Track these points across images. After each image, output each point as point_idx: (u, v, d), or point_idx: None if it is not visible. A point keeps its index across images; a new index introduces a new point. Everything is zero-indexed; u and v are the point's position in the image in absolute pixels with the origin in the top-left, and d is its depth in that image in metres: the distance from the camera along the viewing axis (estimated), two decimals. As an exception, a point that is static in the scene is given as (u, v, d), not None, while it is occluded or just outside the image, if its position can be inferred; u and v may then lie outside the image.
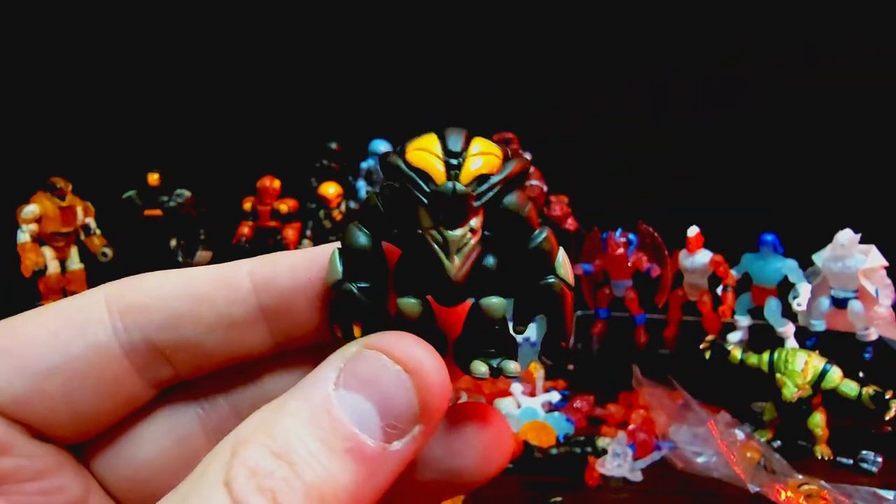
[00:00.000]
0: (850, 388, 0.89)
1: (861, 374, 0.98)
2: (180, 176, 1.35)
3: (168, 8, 1.50)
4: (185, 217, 1.31)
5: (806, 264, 1.09)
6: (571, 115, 1.47)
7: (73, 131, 1.43)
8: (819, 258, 1.05)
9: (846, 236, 1.01)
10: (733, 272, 1.14)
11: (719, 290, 1.15)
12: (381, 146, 1.43)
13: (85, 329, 0.24)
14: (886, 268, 1.02)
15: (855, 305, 1.02)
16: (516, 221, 0.25)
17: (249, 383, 0.28)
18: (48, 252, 1.21)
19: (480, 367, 0.25)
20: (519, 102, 1.50)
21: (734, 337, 1.15)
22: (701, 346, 1.00)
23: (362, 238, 0.25)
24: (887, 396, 0.87)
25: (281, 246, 1.34)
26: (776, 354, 0.93)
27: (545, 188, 1.31)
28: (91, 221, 1.27)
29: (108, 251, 1.27)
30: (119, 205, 1.32)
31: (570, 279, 0.26)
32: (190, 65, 1.51)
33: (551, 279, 0.25)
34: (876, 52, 1.33)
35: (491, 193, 0.24)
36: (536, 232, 0.25)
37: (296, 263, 0.26)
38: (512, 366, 0.25)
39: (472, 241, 0.24)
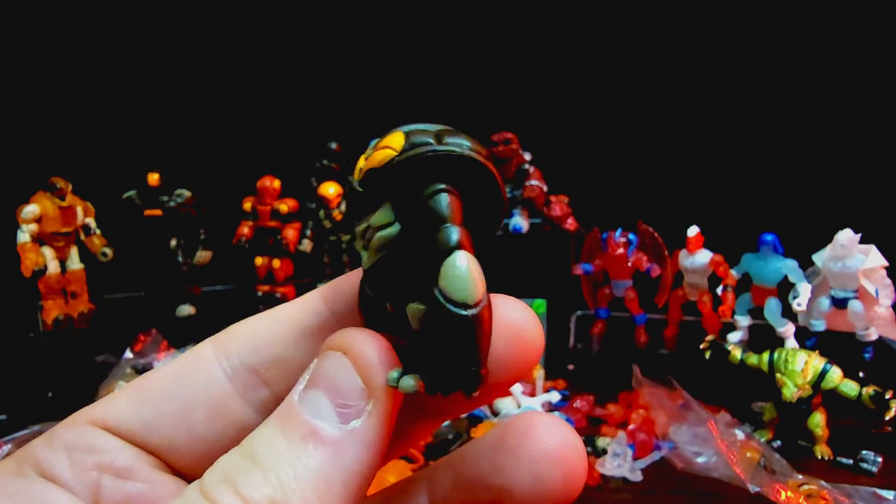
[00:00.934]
0: (850, 388, 0.89)
1: (861, 374, 0.99)
2: (180, 176, 1.35)
3: (168, 8, 1.50)
4: (185, 217, 1.31)
5: (806, 264, 1.09)
6: (571, 115, 1.47)
7: (73, 131, 1.43)
8: (819, 258, 1.05)
9: (846, 236, 1.01)
10: (733, 272, 1.14)
11: (719, 290, 1.15)
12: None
13: (195, 364, 0.28)
14: (886, 268, 1.02)
15: (855, 305, 1.02)
16: (426, 220, 0.22)
17: None
18: (48, 252, 1.21)
19: (392, 374, 0.24)
20: (519, 102, 1.50)
21: (734, 337, 1.15)
22: (701, 346, 1.00)
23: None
24: (887, 396, 0.87)
25: (281, 246, 1.34)
26: (776, 354, 0.93)
27: (545, 188, 1.31)
28: (91, 221, 1.27)
29: (108, 251, 1.27)
30: (119, 205, 1.32)
31: (462, 292, 0.21)
32: (190, 65, 1.51)
33: (435, 291, 0.22)
34: (876, 52, 1.33)
35: (375, 185, 0.23)
36: (443, 233, 0.22)
37: (358, 272, 0.28)
38: (409, 382, 0.23)
39: (376, 237, 0.23)
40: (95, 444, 0.26)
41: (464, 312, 0.21)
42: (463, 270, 0.21)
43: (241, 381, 0.27)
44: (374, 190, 0.23)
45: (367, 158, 0.23)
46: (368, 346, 0.24)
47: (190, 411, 0.27)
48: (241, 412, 0.27)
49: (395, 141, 0.23)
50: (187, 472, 0.28)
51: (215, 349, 0.28)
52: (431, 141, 0.23)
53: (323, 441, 0.22)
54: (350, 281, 0.28)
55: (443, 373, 0.22)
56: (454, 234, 0.22)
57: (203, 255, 1.33)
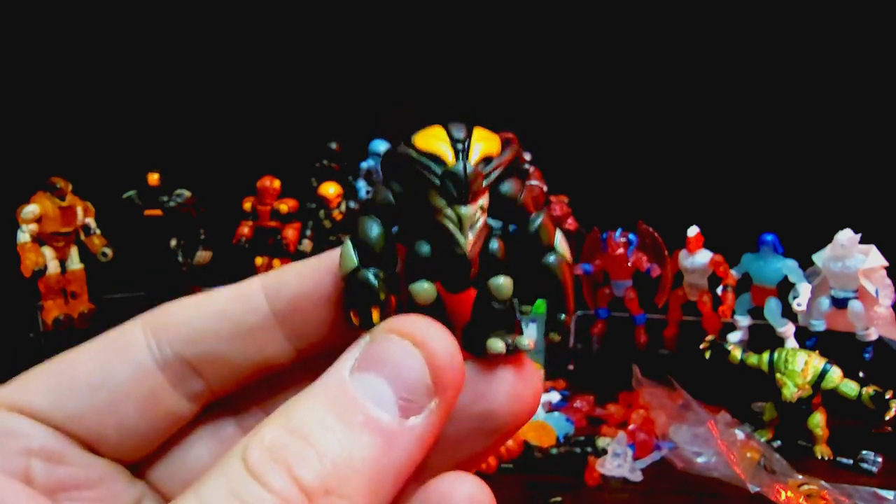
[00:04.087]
0: (850, 388, 0.89)
1: (861, 374, 0.98)
2: (180, 176, 1.35)
3: (168, 8, 1.50)
4: (185, 217, 1.31)
5: (806, 264, 1.09)
6: (571, 115, 1.47)
7: (73, 131, 1.43)
8: (819, 258, 1.05)
9: (846, 236, 1.01)
10: (733, 272, 1.14)
11: (719, 290, 1.15)
12: (381, 146, 1.43)
13: (124, 349, 0.26)
14: (886, 268, 1.02)
15: (855, 305, 1.02)
16: (514, 207, 0.27)
17: (280, 394, 0.29)
18: (48, 252, 1.21)
19: (497, 343, 0.26)
20: (519, 102, 1.50)
21: (734, 337, 1.15)
22: (701, 346, 1.00)
23: (376, 228, 0.26)
24: (887, 396, 0.87)
25: (281, 246, 1.34)
26: (776, 354, 0.93)
27: (545, 188, 1.30)
28: (91, 221, 1.27)
29: (108, 251, 1.27)
30: (119, 205, 1.32)
31: (569, 257, 0.27)
32: (190, 65, 1.51)
33: (552, 257, 0.27)
34: (876, 52, 1.33)
35: (496, 172, 0.26)
36: (534, 216, 0.27)
37: (303, 269, 0.27)
38: (525, 340, 0.26)
39: (482, 220, 0.26)
40: (18, 429, 0.24)
41: (571, 267, 0.27)
42: (565, 240, 0.27)
43: (174, 371, 0.26)
44: (491, 174, 0.26)
45: (459, 146, 0.26)
46: (445, 342, 0.23)
47: (118, 404, 0.25)
48: (173, 403, 0.26)
49: (492, 134, 0.27)
50: (119, 458, 0.27)
51: (145, 334, 0.26)
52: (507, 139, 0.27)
53: (381, 432, 0.22)
54: (293, 281, 0.27)
55: (559, 321, 0.27)
56: (542, 220, 0.27)
57: (203, 255, 1.33)
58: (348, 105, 1.53)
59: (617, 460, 0.88)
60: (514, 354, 0.26)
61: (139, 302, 1.34)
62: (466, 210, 0.25)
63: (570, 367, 1.23)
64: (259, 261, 1.35)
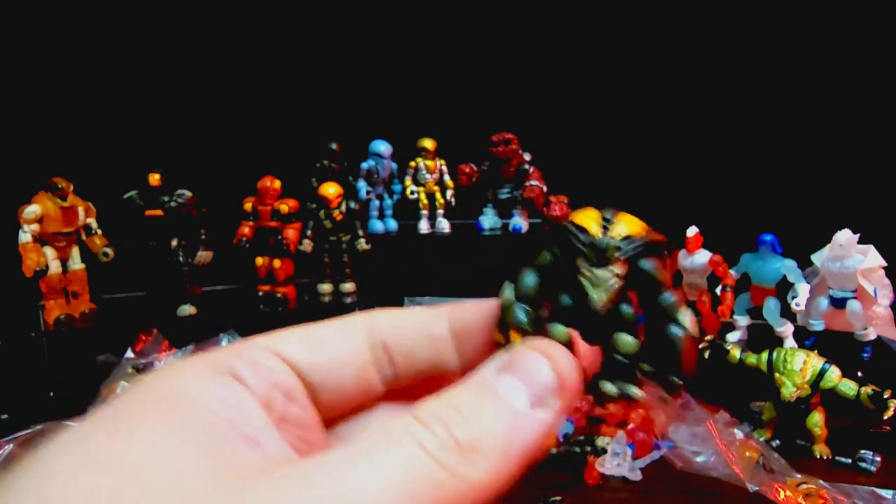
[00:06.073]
0: (849, 387, 0.89)
1: (860, 374, 0.99)
2: (181, 176, 1.35)
3: (168, 8, 1.51)
4: (185, 217, 1.31)
5: (805, 264, 1.09)
6: (571, 115, 1.48)
7: (74, 131, 1.43)
8: (818, 258, 1.06)
9: (845, 236, 1.01)
10: (732, 272, 1.15)
11: (718, 290, 1.15)
12: (381, 146, 1.43)
13: (350, 327, 0.34)
14: (885, 268, 1.02)
15: (853, 305, 1.02)
16: (651, 282, 0.32)
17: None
18: (49, 252, 1.21)
19: (609, 385, 0.32)
20: (519, 102, 1.50)
21: (733, 336, 1.16)
22: (700, 346, 1.00)
23: (532, 278, 0.33)
24: (886, 396, 0.87)
25: (281, 246, 1.34)
26: (775, 354, 0.93)
27: (545, 188, 1.31)
28: (92, 221, 1.27)
29: (110, 251, 1.28)
30: (120, 205, 1.32)
31: (695, 330, 0.32)
32: (190, 65, 1.51)
33: (676, 329, 0.32)
34: (876, 52, 1.33)
35: (631, 249, 0.31)
36: (668, 293, 0.32)
37: (478, 305, 0.34)
38: (635, 389, 0.32)
39: (614, 283, 0.31)
40: (273, 365, 0.31)
41: (693, 338, 0.32)
42: (693, 317, 0.32)
43: (377, 355, 0.33)
44: (625, 251, 0.31)
45: (606, 225, 0.32)
46: (569, 358, 0.30)
47: (342, 366, 0.32)
48: (372, 380, 0.34)
49: (638, 221, 0.32)
50: (324, 413, 0.33)
51: (365, 324, 0.34)
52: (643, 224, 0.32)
53: (514, 415, 0.28)
54: (475, 309, 0.34)
55: (669, 379, 0.32)
56: (674, 296, 0.32)
57: (204, 256, 1.33)
58: (348, 105, 1.53)
59: (616, 459, 0.88)
60: (624, 399, 0.32)
61: (140, 302, 1.34)
62: (601, 272, 0.31)
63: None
64: (259, 261, 1.36)
